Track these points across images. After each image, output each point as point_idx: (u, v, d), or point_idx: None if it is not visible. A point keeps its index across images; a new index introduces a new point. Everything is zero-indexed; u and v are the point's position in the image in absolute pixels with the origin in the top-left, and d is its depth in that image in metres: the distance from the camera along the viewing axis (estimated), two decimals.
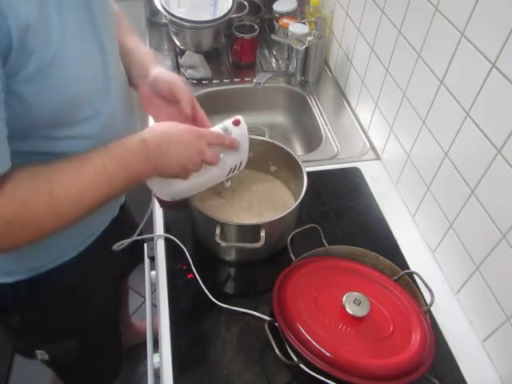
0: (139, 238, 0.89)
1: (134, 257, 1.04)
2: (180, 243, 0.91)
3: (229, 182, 0.92)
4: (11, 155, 0.53)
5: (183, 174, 0.69)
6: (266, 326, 0.73)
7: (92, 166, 0.59)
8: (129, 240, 0.86)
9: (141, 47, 0.82)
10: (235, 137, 0.76)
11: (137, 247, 0.99)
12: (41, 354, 0.93)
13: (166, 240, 0.93)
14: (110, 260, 0.90)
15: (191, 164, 0.68)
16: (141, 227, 0.88)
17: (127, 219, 1.04)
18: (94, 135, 0.66)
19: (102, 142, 0.62)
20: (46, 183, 0.55)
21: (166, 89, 0.74)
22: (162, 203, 0.84)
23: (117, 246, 0.84)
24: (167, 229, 0.95)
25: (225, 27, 1.48)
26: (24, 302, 0.80)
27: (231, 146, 0.74)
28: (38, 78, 0.53)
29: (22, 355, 0.99)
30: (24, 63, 0.50)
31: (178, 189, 0.76)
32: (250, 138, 0.85)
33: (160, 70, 0.76)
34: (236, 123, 0.77)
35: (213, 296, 0.84)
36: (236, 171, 0.82)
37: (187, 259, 0.88)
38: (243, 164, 0.81)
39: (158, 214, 0.99)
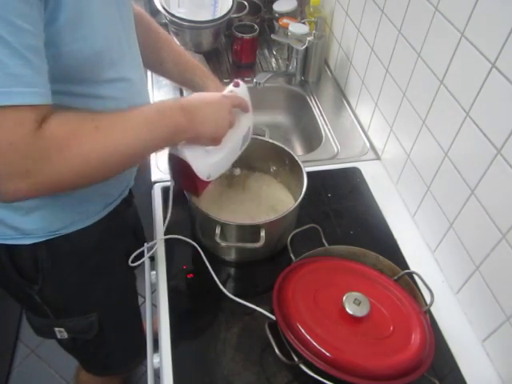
0: (153, 242, 0.92)
1: (139, 238, 1.07)
2: (196, 244, 0.91)
3: (238, 169, 0.99)
4: None
5: (218, 135, 0.74)
6: (266, 326, 0.73)
7: (132, 113, 0.64)
8: (142, 249, 0.89)
9: (189, 55, 0.96)
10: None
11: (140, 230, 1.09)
12: (60, 332, 0.93)
13: (166, 240, 0.93)
14: (123, 234, 0.95)
15: (224, 122, 0.73)
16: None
17: (134, 209, 1.07)
18: (114, 98, 0.71)
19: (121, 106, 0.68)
20: (92, 121, 0.59)
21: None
22: (196, 187, 0.81)
23: (132, 259, 0.88)
24: (167, 229, 0.95)
25: (225, 27, 1.48)
26: (43, 268, 0.81)
27: (247, 108, 0.82)
28: (71, 27, 0.58)
29: (41, 335, 0.99)
30: (59, 10, 0.55)
31: (213, 162, 0.77)
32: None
33: (217, 81, 0.93)
34: (236, 85, 0.82)
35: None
36: (247, 141, 0.86)
37: (201, 258, 0.88)
38: (251, 130, 0.86)
39: (159, 214, 0.99)
